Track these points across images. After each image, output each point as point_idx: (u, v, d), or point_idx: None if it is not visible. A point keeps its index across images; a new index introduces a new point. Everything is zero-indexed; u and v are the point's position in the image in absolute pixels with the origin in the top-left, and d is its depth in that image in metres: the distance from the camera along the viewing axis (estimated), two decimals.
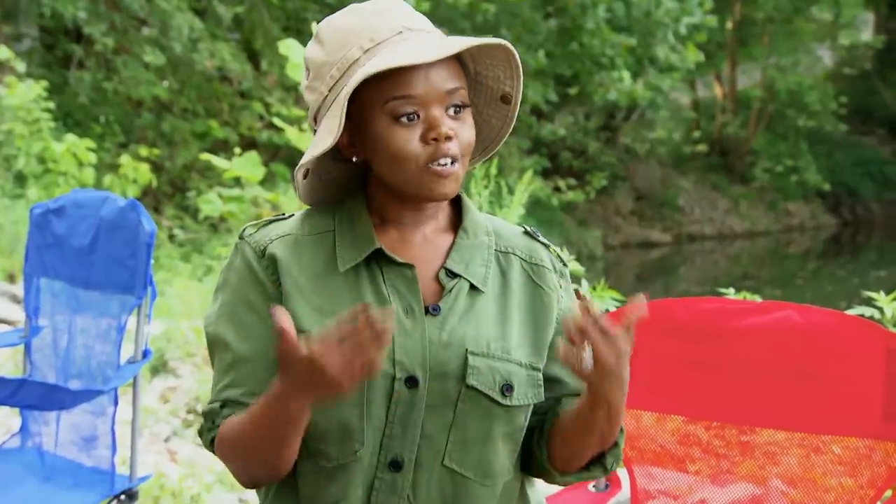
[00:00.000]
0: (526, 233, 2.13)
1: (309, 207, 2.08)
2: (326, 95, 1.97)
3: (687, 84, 25.75)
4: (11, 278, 9.41)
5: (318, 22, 9.53)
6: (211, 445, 1.98)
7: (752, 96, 25.52)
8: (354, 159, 2.01)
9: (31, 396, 3.21)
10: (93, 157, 11.77)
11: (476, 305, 2.01)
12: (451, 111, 1.93)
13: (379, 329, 1.71)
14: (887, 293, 4.24)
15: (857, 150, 26.62)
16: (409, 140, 1.91)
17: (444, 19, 16.43)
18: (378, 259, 2.00)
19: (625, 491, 2.83)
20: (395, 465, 1.96)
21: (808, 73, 26.35)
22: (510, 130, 2.08)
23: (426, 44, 1.92)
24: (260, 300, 1.98)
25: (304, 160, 1.96)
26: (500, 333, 2.01)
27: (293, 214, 2.07)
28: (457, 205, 2.10)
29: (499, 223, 2.13)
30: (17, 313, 7.72)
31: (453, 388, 1.96)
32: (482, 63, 2.02)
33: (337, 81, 1.95)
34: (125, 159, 12.94)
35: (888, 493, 2.57)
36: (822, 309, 2.62)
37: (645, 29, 20.28)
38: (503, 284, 2.05)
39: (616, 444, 2.05)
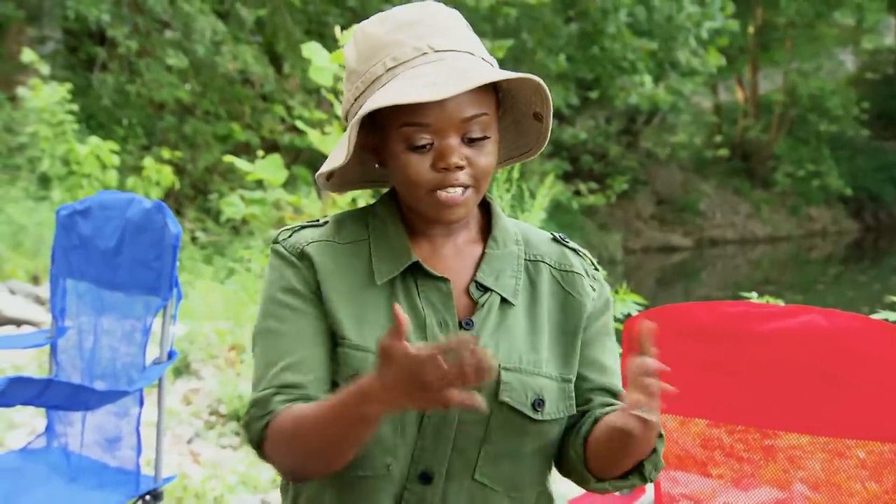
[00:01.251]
0: (554, 239, 2.12)
1: (341, 213, 2.07)
2: (353, 103, 1.97)
3: (708, 88, 25.73)
4: (36, 280, 9.46)
5: (340, 26, 9.48)
6: (262, 433, 1.91)
7: (774, 100, 25.48)
8: (377, 166, 2.01)
9: (57, 397, 3.23)
10: (116, 160, 11.82)
11: (507, 319, 2.00)
12: (469, 137, 1.91)
13: (483, 367, 1.66)
14: None
15: (879, 154, 26.52)
16: (420, 166, 1.91)
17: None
18: (413, 272, 1.99)
19: (648, 494, 2.84)
20: (426, 479, 1.96)
21: (831, 78, 26.30)
22: (544, 145, 2.07)
23: (445, 73, 1.89)
24: (303, 288, 1.97)
25: (323, 169, 1.96)
26: (530, 346, 2.00)
27: (326, 220, 2.05)
28: (486, 211, 2.09)
29: (526, 229, 2.12)
30: (42, 315, 7.76)
31: (486, 405, 1.92)
32: (513, 82, 1.99)
33: (361, 94, 1.95)
34: (148, 161, 12.98)
35: None
36: (846, 313, 2.62)
37: (666, 33, 20.27)
38: (532, 294, 2.04)
39: (655, 451, 2.00)
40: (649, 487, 2.83)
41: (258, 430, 1.92)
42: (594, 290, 2.09)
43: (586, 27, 19.84)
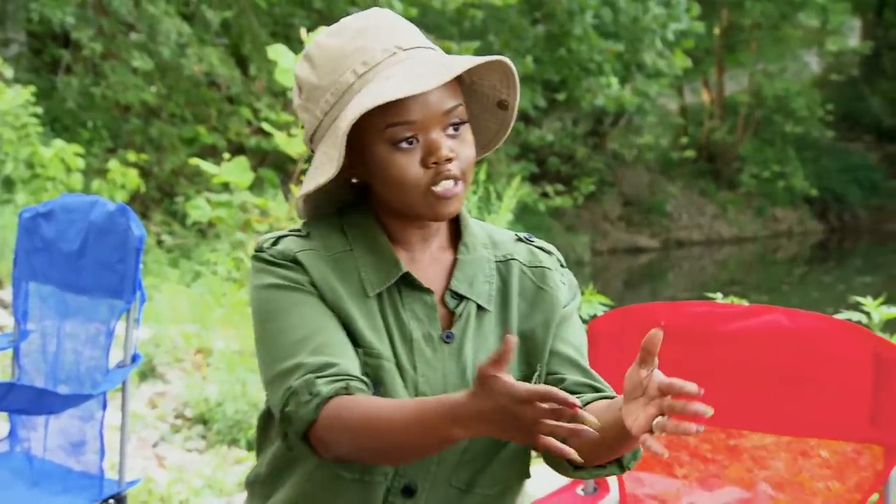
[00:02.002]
0: (519, 239, 2.11)
1: (316, 223, 2.02)
2: (322, 120, 1.94)
3: (674, 90, 25.81)
4: None
5: (306, 28, 9.48)
6: (314, 413, 1.84)
7: (740, 102, 25.59)
8: (354, 181, 2.00)
9: (20, 401, 3.21)
10: (81, 163, 11.75)
11: (483, 326, 2.00)
12: (450, 130, 1.91)
13: (578, 431, 1.62)
14: (874, 299, 4.26)
15: (844, 156, 26.69)
16: (410, 165, 1.89)
17: (432, 25, 16.43)
18: (397, 282, 1.97)
19: (613, 494, 2.84)
20: (408, 492, 1.96)
21: (796, 79, 26.44)
22: (507, 133, 2.07)
23: (422, 66, 1.89)
24: (304, 283, 1.93)
25: (306, 189, 1.93)
26: None
27: (308, 232, 2.00)
28: (454, 217, 2.06)
29: (491, 230, 2.11)
30: (4, 318, 7.71)
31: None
32: (477, 73, 2.00)
33: (332, 107, 1.93)
34: (113, 164, 12.92)
35: (875, 496, 2.58)
36: (810, 313, 2.63)
37: (632, 35, 20.34)
38: (504, 296, 2.04)
39: None
40: (614, 488, 2.83)
41: (308, 413, 1.84)
42: (564, 283, 2.09)
43: (553, 29, 19.88)
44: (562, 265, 2.12)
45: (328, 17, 15.23)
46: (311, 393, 1.84)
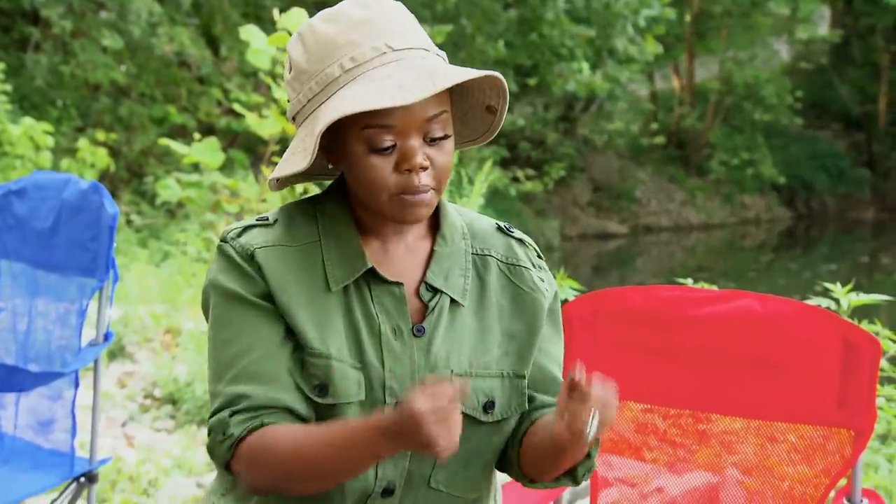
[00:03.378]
0: (499, 229, 2.09)
1: (290, 208, 2.01)
2: (304, 105, 1.92)
3: (645, 76, 25.84)
4: None
5: (278, 9, 9.40)
6: (228, 454, 1.88)
7: (710, 89, 25.64)
8: (331, 167, 1.98)
9: None
10: (50, 141, 11.69)
11: (456, 321, 1.98)
12: (431, 138, 1.88)
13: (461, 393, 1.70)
14: (841, 286, 4.29)
15: (812, 143, 26.80)
16: (383, 169, 1.87)
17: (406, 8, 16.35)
18: (366, 275, 1.95)
19: None
20: (387, 492, 1.95)
21: (766, 67, 26.50)
22: (494, 135, 2.05)
23: (408, 74, 1.85)
24: (253, 295, 1.92)
25: (277, 174, 1.93)
26: (480, 347, 1.98)
27: (276, 219, 1.99)
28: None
29: (472, 218, 2.09)
30: None
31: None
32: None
33: (315, 95, 1.90)
34: (82, 143, 12.86)
35: (843, 481, 2.61)
36: (781, 298, 2.65)
37: (604, 20, 20.34)
38: (481, 291, 2.02)
39: (589, 456, 2.00)
40: None
41: (223, 453, 1.89)
42: (543, 280, 2.07)
43: (525, 13, 19.87)
44: (539, 257, 2.11)
45: None
46: (224, 433, 1.88)
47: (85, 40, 15.09)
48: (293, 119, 1.97)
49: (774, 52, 27.44)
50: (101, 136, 14.05)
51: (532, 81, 20.62)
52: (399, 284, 1.96)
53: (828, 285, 4.30)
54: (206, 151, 10.82)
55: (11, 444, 3.72)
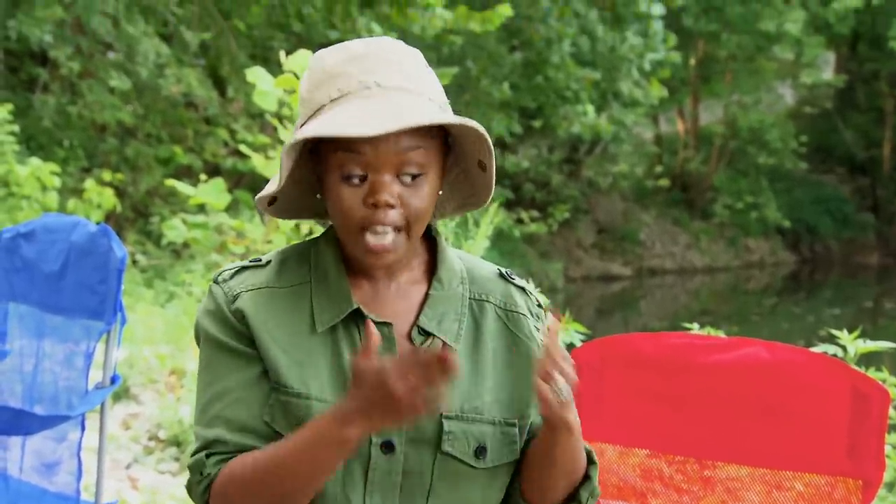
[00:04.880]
0: (500, 275, 2.07)
1: (287, 249, 2.02)
2: (298, 130, 1.93)
3: (650, 119, 25.96)
4: None
5: (285, 51, 9.40)
6: (204, 495, 1.91)
7: (714, 133, 25.74)
8: (318, 196, 1.97)
9: None
10: (56, 182, 11.72)
11: None
12: (405, 177, 1.87)
13: (448, 367, 1.70)
14: (846, 331, 4.28)
15: (816, 187, 26.86)
16: (352, 199, 1.87)
17: None
18: (355, 316, 1.94)
19: None
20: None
21: (770, 111, 26.62)
22: (490, 194, 2.01)
23: (382, 108, 1.84)
24: (232, 340, 1.94)
25: (263, 193, 1.95)
26: (472, 392, 1.97)
27: (270, 261, 2.00)
28: (432, 247, 2.04)
29: (472, 264, 2.07)
30: None
31: (429, 455, 1.92)
32: (456, 129, 1.93)
33: (305, 121, 1.92)
34: (89, 184, 12.89)
35: None
36: (789, 346, 2.65)
37: (609, 64, 20.44)
38: (476, 336, 2.00)
39: (588, 478, 2.00)
40: None
41: (200, 493, 1.92)
42: (538, 330, 2.06)
43: (530, 56, 19.97)
44: (539, 306, 2.09)
45: (307, 41, 15.23)
46: (201, 474, 1.91)
47: (92, 81, 15.16)
48: None
49: (779, 97, 27.58)
50: (107, 176, 14.08)
51: (537, 123, 20.71)
52: (388, 325, 1.95)
53: (834, 332, 4.29)
54: (212, 192, 10.84)
55: (17, 488, 3.71)
